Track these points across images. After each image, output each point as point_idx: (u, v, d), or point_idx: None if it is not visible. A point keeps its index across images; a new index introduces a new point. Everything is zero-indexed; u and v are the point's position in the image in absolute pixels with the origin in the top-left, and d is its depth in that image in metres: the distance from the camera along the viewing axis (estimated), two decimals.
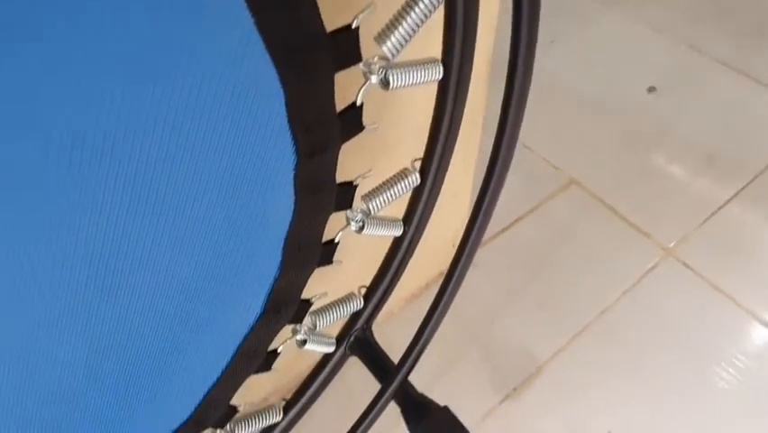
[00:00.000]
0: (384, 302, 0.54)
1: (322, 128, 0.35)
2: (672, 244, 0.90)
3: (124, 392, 0.43)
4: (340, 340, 0.55)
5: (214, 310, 0.43)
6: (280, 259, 0.43)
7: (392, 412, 0.58)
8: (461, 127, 0.43)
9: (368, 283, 0.54)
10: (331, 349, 0.54)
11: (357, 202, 0.44)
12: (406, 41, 0.33)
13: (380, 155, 0.53)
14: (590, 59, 1.21)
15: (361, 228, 0.45)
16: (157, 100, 0.28)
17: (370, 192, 0.44)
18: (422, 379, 0.58)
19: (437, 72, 0.37)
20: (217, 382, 0.47)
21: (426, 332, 0.53)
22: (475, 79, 0.40)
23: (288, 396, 0.57)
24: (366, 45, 0.33)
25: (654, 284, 0.85)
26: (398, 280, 0.53)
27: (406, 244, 0.51)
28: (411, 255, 0.52)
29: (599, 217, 0.94)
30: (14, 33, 0.23)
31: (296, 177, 0.37)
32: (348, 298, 0.52)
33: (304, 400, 0.56)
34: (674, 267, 0.87)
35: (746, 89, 1.12)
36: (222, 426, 0.53)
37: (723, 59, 1.17)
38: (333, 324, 0.51)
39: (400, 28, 0.33)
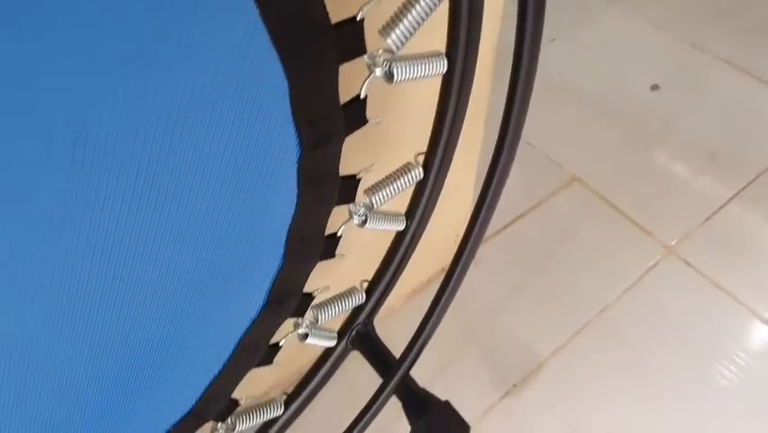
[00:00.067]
0: (386, 297, 0.54)
1: (326, 120, 0.34)
2: (673, 242, 0.90)
3: (126, 386, 0.43)
4: (341, 334, 0.55)
5: (217, 303, 0.43)
6: (283, 252, 0.43)
7: (393, 407, 0.58)
8: (465, 122, 0.43)
9: (370, 278, 0.55)
10: (332, 343, 0.54)
11: (360, 196, 0.44)
12: (411, 33, 0.33)
13: (384, 149, 0.53)
14: (593, 56, 1.21)
15: (364, 222, 0.45)
16: (161, 93, 0.28)
17: (372, 186, 0.44)
18: (423, 374, 0.58)
19: (441, 66, 0.37)
20: (219, 375, 0.47)
21: (428, 327, 0.53)
22: (479, 73, 0.40)
23: (290, 390, 0.58)
24: (370, 38, 0.33)
25: (656, 282, 0.85)
26: (400, 274, 0.53)
27: (408, 238, 0.51)
28: (413, 250, 0.52)
29: (601, 215, 0.94)
30: (15, 28, 0.23)
31: (299, 169, 0.37)
32: (350, 292, 0.53)
33: (305, 393, 0.56)
34: (676, 265, 0.87)
35: (749, 87, 1.12)
36: (223, 419, 0.53)
37: (726, 58, 1.17)
38: (334, 318, 0.51)
39: (405, 21, 0.32)
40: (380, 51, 0.34)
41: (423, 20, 0.33)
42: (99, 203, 0.31)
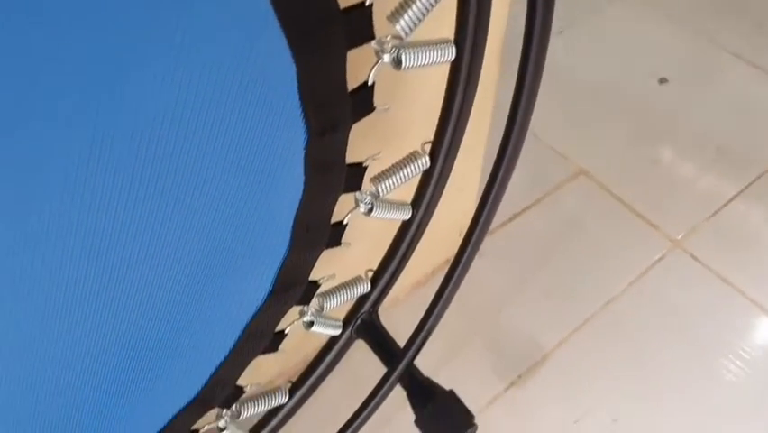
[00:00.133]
0: (391, 286, 0.54)
1: (333, 107, 0.34)
2: (679, 236, 0.89)
3: (132, 372, 0.43)
4: (346, 323, 0.55)
5: (223, 290, 0.43)
6: (289, 239, 0.43)
7: (397, 396, 0.58)
8: (471, 112, 0.43)
9: (375, 267, 0.55)
10: (337, 332, 0.54)
11: (366, 185, 0.44)
12: (420, 20, 0.33)
13: (390, 138, 0.53)
14: (601, 48, 1.20)
15: (370, 210, 0.45)
16: (169, 80, 0.28)
17: (379, 174, 0.44)
18: (427, 365, 0.58)
19: (450, 53, 0.37)
20: (224, 361, 0.47)
21: (432, 317, 0.53)
22: (487, 62, 0.40)
23: (295, 379, 0.58)
24: (379, 24, 0.32)
25: (661, 276, 0.85)
26: (406, 264, 0.53)
27: (414, 228, 0.51)
28: (419, 239, 0.52)
29: (607, 208, 0.94)
30: (14, 22, 0.23)
31: (306, 156, 0.37)
32: (355, 281, 0.53)
33: (310, 382, 0.56)
34: (682, 259, 0.87)
35: (759, 82, 1.11)
36: (228, 406, 0.53)
37: (736, 52, 1.16)
38: (339, 306, 0.52)
39: (413, 7, 0.32)
40: (389, 38, 0.34)
41: (431, 6, 0.32)
42: (109, 187, 0.31)
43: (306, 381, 0.56)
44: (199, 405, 0.49)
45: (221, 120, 0.32)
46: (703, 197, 0.95)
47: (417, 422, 0.51)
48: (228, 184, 0.36)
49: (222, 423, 0.53)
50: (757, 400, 0.74)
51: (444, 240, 0.80)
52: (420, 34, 0.34)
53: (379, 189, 0.44)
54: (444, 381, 0.56)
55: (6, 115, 0.25)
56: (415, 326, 0.57)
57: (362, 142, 0.41)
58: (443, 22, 0.36)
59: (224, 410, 0.53)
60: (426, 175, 0.47)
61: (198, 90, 0.30)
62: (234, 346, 0.47)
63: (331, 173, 0.40)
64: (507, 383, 0.75)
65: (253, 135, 0.34)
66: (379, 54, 0.34)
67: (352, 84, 0.35)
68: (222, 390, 0.50)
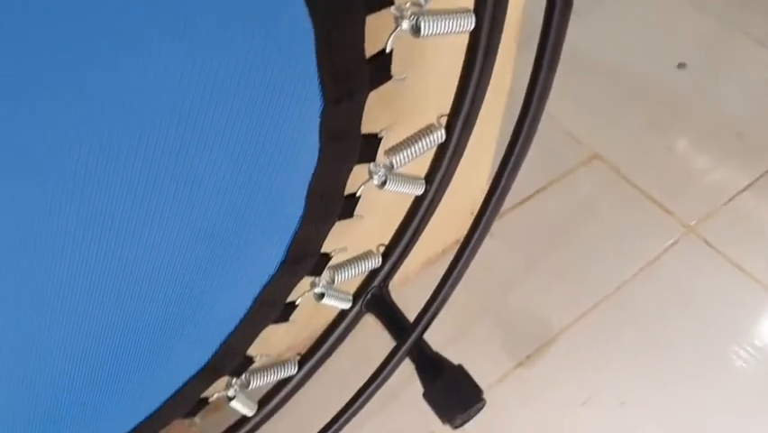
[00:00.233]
0: (402, 261, 0.54)
1: (350, 73, 0.34)
2: (693, 222, 0.89)
3: (144, 339, 0.44)
4: (356, 297, 0.55)
5: (236, 259, 0.43)
6: (303, 209, 0.43)
7: (405, 372, 0.58)
8: (488, 86, 0.43)
9: (386, 243, 0.54)
10: (347, 305, 0.54)
11: (380, 157, 0.44)
12: None
13: (406, 109, 0.52)
14: (619, 32, 1.18)
15: (384, 183, 0.45)
16: (185, 51, 0.28)
17: (393, 147, 0.44)
18: (435, 343, 0.58)
19: (469, 22, 0.36)
20: (235, 330, 0.47)
21: (443, 292, 0.53)
22: (505, 35, 0.40)
23: (304, 352, 0.58)
24: None
25: (674, 261, 0.85)
26: (417, 239, 0.53)
27: (427, 203, 0.50)
28: (431, 215, 0.52)
29: (621, 193, 0.93)
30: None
31: (321, 124, 0.36)
32: (366, 255, 0.53)
33: (319, 354, 0.57)
34: (695, 244, 0.86)
35: None
36: (237, 375, 0.53)
37: (757, 38, 1.14)
38: (350, 280, 0.52)
39: None
40: (408, 4, 0.33)
41: None
42: (122, 159, 0.31)
43: (315, 353, 0.57)
44: (209, 373, 0.50)
45: (236, 86, 0.32)
46: (718, 183, 0.94)
47: (426, 396, 0.52)
48: (243, 152, 0.36)
49: (231, 392, 0.54)
50: None
51: (456, 219, 0.80)
52: (440, 3, 0.34)
53: (394, 162, 0.43)
54: (453, 358, 0.56)
55: (8, 91, 0.25)
56: (424, 303, 0.57)
57: (378, 114, 0.41)
58: None
59: (234, 379, 0.53)
60: (441, 149, 0.46)
61: (215, 56, 0.30)
62: (245, 316, 0.47)
63: (346, 142, 0.40)
64: (516, 363, 0.75)
65: (269, 102, 0.34)
66: (398, 20, 0.33)
67: (369, 51, 0.35)
68: (232, 359, 0.50)
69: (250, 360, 0.53)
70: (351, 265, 0.51)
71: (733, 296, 0.81)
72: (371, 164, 0.43)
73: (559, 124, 1.02)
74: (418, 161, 0.46)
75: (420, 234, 0.53)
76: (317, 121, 0.36)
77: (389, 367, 0.54)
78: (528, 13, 0.57)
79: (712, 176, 0.95)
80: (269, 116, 0.35)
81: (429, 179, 0.49)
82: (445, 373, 0.51)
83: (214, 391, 0.54)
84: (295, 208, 0.43)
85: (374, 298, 0.55)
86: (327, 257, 0.49)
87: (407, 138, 0.44)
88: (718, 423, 0.71)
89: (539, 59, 0.42)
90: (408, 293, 0.59)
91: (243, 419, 0.59)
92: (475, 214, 0.54)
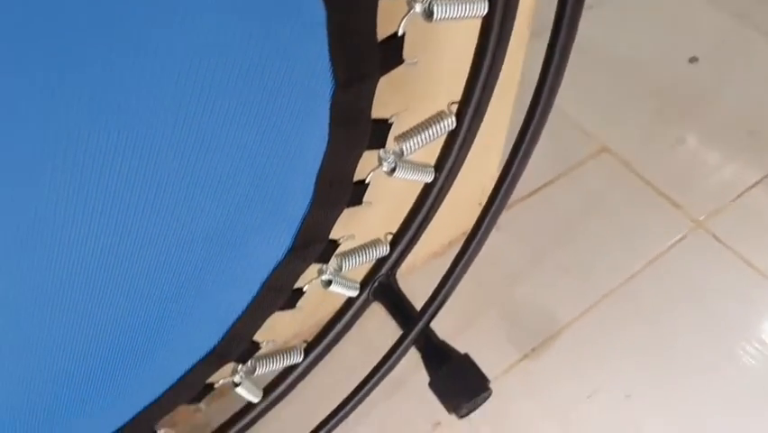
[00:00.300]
0: (410, 250, 0.54)
1: (362, 56, 0.34)
2: (702, 217, 0.88)
3: (152, 321, 0.44)
4: (364, 285, 0.55)
5: (244, 243, 0.43)
6: (312, 194, 0.42)
7: (411, 361, 0.58)
8: (500, 73, 0.42)
9: (394, 232, 0.54)
10: (355, 293, 0.54)
11: (390, 144, 0.44)
12: None
13: (417, 96, 0.52)
14: (631, 25, 1.17)
15: (393, 170, 0.44)
16: (194, 33, 0.28)
17: (403, 133, 0.43)
18: (441, 334, 0.58)
19: (482, 7, 0.36)
20: (242, 315, 0.47)
21: (450, 281, 0.53)
22: (518, 22, 0.39)
23: (310, 339, 0.58)
24: None
25: (682, 255, 0.84)
26: (426, 227, 0.53)
27: (436, 191, 0.50)
28: (440, 204, 0.52)
29: (629, 186, 0.93)
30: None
31: (332, 107, 0.36)
32: (374, 243, 0.52)
33: (325, 342, 0.57)
34: (704, 239, 0.86)
35: None
36: (244, 361, 0.53)
37: None
38: (358, 267, 0.52)
39: None
40: None
41: None
42: (131, 143, 0.31)
43: (321, 341, 0.57)
44: (216, 358, 0.50)
45: (246, 69, 0.32)
46: (728, 178, 0.93)
47: (432, 384, 0.51)
48: (252, 136, 0.36)
49: (237, 378, 0.54)
50: None
51: (464, 211, 0.79)
52: None
53: (404, 148, 0.43)
54: (459, 349, 0.56)
55: (27, 87, 0.25)
56: (430, 294, 0.56)
57: (388, 99, 0.40)
58: None
59: (240, 366, 0.53)
60: (451, 136, 0.46)
61: (225, 38, 0.29)
62: (253, 301, 0.47)
63: (356, 128, 0.39)
64: (521, 355, 0.75)
65: (279, 84, 0.34)
66: (410, 3, 0.33)
67: (381, 35, 0.34)
68: (238, 344, 0.50)
69: (256, 346, 0.53)
70: (358, 253, 0.51)
71: (741, 292, 0.81)
72: (381, 150, 0.43)
73: (568, 117, 1.01)
74: (428, 149, 0.46)
75: (429, 223, 0.53)
76: (327, 105, 0.36)
77: (396, 355, 0.54)
78: (541, 2, 0.56)
79: (722, 171, 0.94)
80: (280, 100, 0.35)
81: (439, 166, 0.48)
82: (452, 362, 0.51)
83: (220, 378, 0.54)
84: (304, 194, 0.43)
85: (381, 286, 0.55)
86: (335, 244, 0.49)
87: (418, 125, 0.43)
88: (723, 418, 0.71)
89: (551, 48, 0.42)
90: (415, 283, 0.59)
91: (249, 406, 0.59)
92: (483, 204, 0.53)
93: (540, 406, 0.71)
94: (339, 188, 0.43)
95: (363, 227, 0.53)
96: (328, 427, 0.59)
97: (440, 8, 0.34)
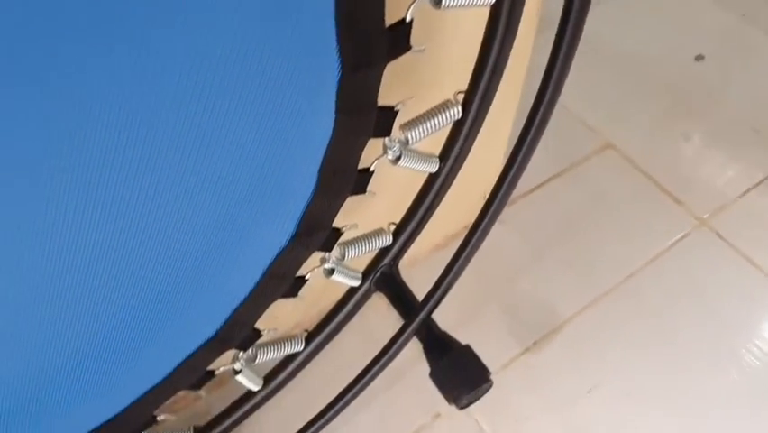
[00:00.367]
0: (413, 240, 0.54)
1: (369, 41, 0.34)
2: (706, 215, 0.88)
3: (154, 306, 0.44)
4: (366, 275, 0.55)
5: (248, 230, 0.43)
6: (316, 182, 0.42)
7: (411, 353, 0.58)
8: (507, 64, 0.42)
9: (398, 222, 0.54)
10: (357, 283, 0.54)
11: (395, 133, 0.43)
12: None
13: (423, 85, 0.52)
14: (637, 22, 1.17)
15: (398, 159, 0.44)
16: (201, 17, 0.28)
17: (409, 122, 0.43)
18: (443, 326, 0.58)
19: None
20: (245, 301, 0.47)
21: (452, 272, 0.53)
22: (525, 13, 0.39)
23: (311, 329, 0.58)
24: None
25: (685, 253, 0.84)
26: (429, 218, 0.53)
27: (440, 181, 0.50)
28: (444, 194, 0.52)
29: (633, 183, 0.93)
30: None
31: (338, 93, 0.36)
32: (377, 232, 0.52)
33: (326, 331, 0.57)
34: (707, 237, 0.85)
35: None
36: (245, 349, 0.54)
37: None
38: (361, 256, 0.52)
39: None
40: None
41: None
42: (137, 129, 0.31)
43: (322, 330, 0.57)
44: (217, 344, 0.50)
45: (252, 52, 0.32)
46: (732, 177, 0.93)
47: (432, 375, 0.51)
48: (257, 123, 0.36)
49: (238, 365, 0.54)
50: None
51: (467, 204, 0.79)
52: None
53: (409, 137, 0.43)
54: (460, 341, 0.56)
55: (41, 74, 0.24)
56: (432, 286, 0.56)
57: (395, 87, 0.40)
58: None
59: (241, 353, 0.54)
60: (457, 126, 0.46)
61: (231, 22, 0.29)
62: (255, 287, 0.47)
63: (361, 115, 0.39)
64: (523, 349, 0.75)
65: (285, 69, 0.34)
66: None
67: (389, 21, 0.34)
68: (240, 330, 0.50)
69: (258, 333, 0.53)
70: (361, 242, 0.51)
71: (743, 290, 0.80)
72: (386, 139, 0.43)
73: (573, 113, 1.01)
74: (433, 140, 0.46)
75: (432, 214, 0.53)
76: (334, 90, 0.36)
77: (397, 345, 0.54)
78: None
79: (726, 169, 0.94)
80: (286, 85, 0.35)
81: (443, 156, 0.48)
82: (453, 353, 0.51)
83: (221, 365, 0.54)
84: (308, 181, 0.43)
85: (384, 276, 0.55)
86: (338, 232, 0.49)
87: (423, 113, 0.43)
88: (723, 416, 0.71)
89: (559, 41, 0.42)
90: (417, 277, 0.59)
91: (249, 394, 0.59)
92: (487, 197, 0.53)
93: (540, 400, 0.71)
94: (343, 176, 0.43)
95: (367, 217, 0.53)
96: (328, 416, 0.59)
97: None
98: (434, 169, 0.48)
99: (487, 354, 0.54)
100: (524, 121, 0.47)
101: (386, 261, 0.54)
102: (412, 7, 0.34)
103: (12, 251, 0.32)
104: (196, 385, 0.55)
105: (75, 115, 0.28)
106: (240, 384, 0.56)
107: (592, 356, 0.75)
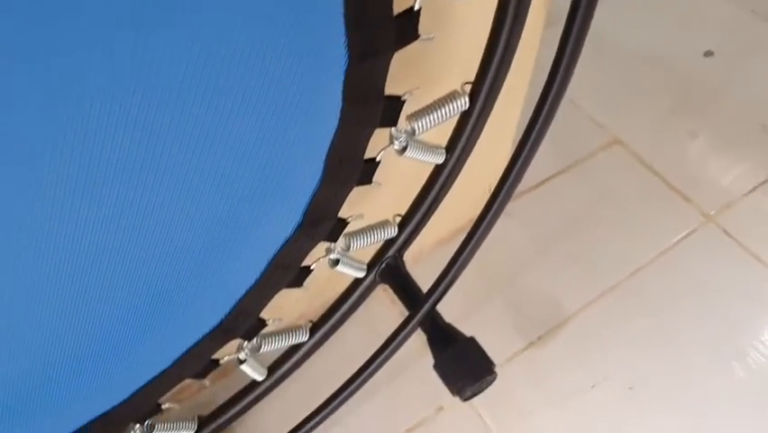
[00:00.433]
0: (418, 232, 0.54)
1: (377, 29, 0.34)
2: (713, 212, 0.87)
3: (159, 296, 0.44)
4: (371, 267, 0.55)
5: (253, 219, 0.43)
6: (322, 171, 0.42)
7: (414, 346, 0.58)
8: (515, 56, 0.42)
9: (403, 213, 0.54)
10: (361, 274, 0.54)
11: (402, 123, 0.43)
12: None
13: (431, 75, 0.52)
14: (646, 18, 1.16)
15: (404, 149, 0.44)
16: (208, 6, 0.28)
17: (416, 112, 0.43)
18: (447, 319, 0.58)
19: None
20: (250, 290, 0.48)
21: (457, 264, 0.53)
22: (533, 6, 0.39)
23: (316, 319, 0.58)
24: None
25: (691, 250, 0.84)
26: (435, 210, 0.53)
27: (446, 172, 0.50)
28: (450, 186, 0.52)
29: (640, 179, 0.92)
30: None
31: (345, 82, 0.36)
32: (383, 224, 0.52)
33: (331, 322, 0.57)
34: (714, 234, 0.85)
35: None
36: (249, 338, 0.54)
37: None
38: (366, 248, 0.51)
39: None
40: None
41: None
42: (144, 116, 0.31)
43: (327, 321, 0.57)
44: (222, 333, 0.50)
45: (259, 40, 0.31)
46: (740, 173, 0.92)
47: (436, 367, 0.51)
48: (264, 112, 0.36)
49: (242, 355, 0.54)
50: None
51: (472, 199, 0.79)
52: None
53: (416, 127, 0.43)
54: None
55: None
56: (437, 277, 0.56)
57: (403, 77, 0.40)
58: None
59: (245, 343, 0.54)
60: (464, 117, 0.46)
61: (239, 10, 0.29)
62: (260, 277, 0.47)
63: (368, 104, 0.39)
64: (527, 343, 0.75)
65: (292, 57, 0.34)
66: None
67: (397, 9, 0.34)
68: (245, 320, 0.50)
69: (262, 323, 0.53)
70: (367, 233, 0.51)
71: (750, 288, 0.80)
72: (393, 129, 0.43)
73: (581, 109, 1.01)
74: (440, 132, 0.46)
75: (438, 205, 0.53)
76: (341, 79, 0.36)
77: (401, 336, 0.54)
78: None
79: (734, 166, 0.93)
80: (293, 73, 0.35)
81: (450, 148, 0.48)
82: (457, 345, 0.51)
83: (226, 354, 0.54)
84: (314, 171, 0.43)
85: (389, 267, 0.54)
86: (344, 223, 0.49)
87: (430, 104, 0.43)
88: (727, 413, 0.70)
89: (566, 34, 0.41)
90: (421, 270, 0.59)
91: (253, 384, 0.59)
92: (492, 189, 0.53)
93: (544, 394, 0.71)
94: (349, 165, 0.43)
95: (372, 208, 0.53)
96: (331, 406, 0.59)
97: None
98: (440, 160, 0.48)
99: (491, 348, 0.54)
100: (531, 115, 0.47)
101: (391, 252, 0.54)
102: None
103: (12, 251, 0.32)
104: (201, 374, 0.55)
105: (76, 112, 0.28)
106: (244, 374, 0.56)
107: (597, 352, 0.74)
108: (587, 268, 0.82)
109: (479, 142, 0.49)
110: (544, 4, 0.58)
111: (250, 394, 0.59)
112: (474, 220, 0.54)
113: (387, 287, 0.57)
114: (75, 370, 0.44)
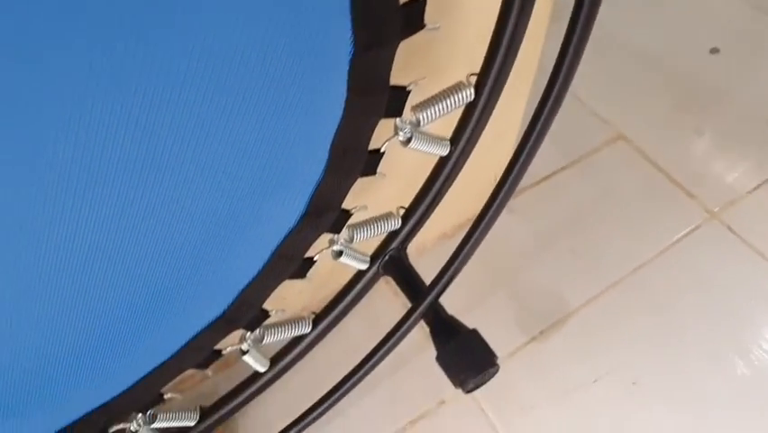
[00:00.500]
0: (422, 224, 0.54)
1: (383, 18, 0.33)
2: (717, 208, 0.87)
3: (162, 284, 0.44)
4: (374, 259, 0.55)
5: (257, 209, 0.43)
6: (326, 161, 0.42)
7: (416, 339, 0.58)
8: (520, 48, 0.42)
9: (407, 206, 0.54)
10: (365, 266, 0.54)
11: (407, 114, 0.43)
12: None
13: (436, 66, 0.52)
14: (652, 14, 1.16)
15: (409, 140, 0.44)
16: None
17: (421, 103, 0.43)
18: (449, 311, 0.58)
19: None
20: (253, 281, 0.48)
21: (461, 256, 0.53)
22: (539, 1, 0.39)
23: (318, 311, 0.58)
24: None
25: (695, 246, 0.83)
26: (439, 202, 0.53)
27: (450, 164, 0.50)
28: (454, 178, 0.52)
29: (644, 175, 0.92)
30: None
31: (350, 71, 0.36)
32: (386, 216, 0.52)
33: (333, 314, 0.57)
34: (718, 231, 0.85)
35: None
36: (252, 329, 0.54)
37: None
38: (369, 239, 0.51)
39: None
40: None
41: None
42: (149, 107, 0.31)
43: (329, 313, 0.57)
44: (225, 323, 0.50)
45: (260, 40, 0.31)
46: (745, 170, 0.92)
47: (439, 359, 0.51)
48: (268, 102, 0.36)
49: (245, 346, 0.54)
50: None
51: (475, 193, 0.79)
52: None
53: (420, 118, 0.43)
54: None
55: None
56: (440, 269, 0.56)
57: (408, 67, 0.40)
58: None
59: (248, 333, 0.54)
60: (469, 109, 0.46)
61: (236, 9, 0.29)
62: (264, 267, 0.47)
63: (373, 94, 0.39)
64: (529, 338, 0.75)
65: (297, 47, 0.34)
66: None
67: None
68: (248, 310, 0.51)
69: (265, 314, 0.53)
70: (370, 225, 0.51)
71: (754, 285, 0.80)
72: (398, 119, 0.43)
73: (586, 104, 1.00)
74: (445, 124, 0.46)
75: (441, 198, 0.53)
76: (346, 68, 0.36)
77: (404, 328, 0.54)
78: None
79: (739, 163, 0.93)
80: (298, 63, 0.35)
81: (454, 140, 0.48)
82: (460, 337, 0.51)
83: (228, 345, 0.54)
84: (318, 161, 0.43)
85: (392, 260, 0.54)
86: (347, 214, 0.49)
87: (435, 95, 0.43)
88: (728, 410, 0.70)
89: (571, 27, 0.41)
90: (425, 264, 0.59)
91: (255, 375, 0.59)
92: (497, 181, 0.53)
93: (546, 389, 0.71)
94: (354, 155, 0.43)
95: (376, 200, 0.53)
96: (333, 398, 0.60)
97: None
98: (444, 152, 0.48)
99: (493, 342, 0.54)
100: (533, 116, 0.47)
101: (394, 244, 0.54)
102: None
103: (12, 250, 0.32)
104: (204, 364, 0.55)
105: (77, 112, 0.28)
106: (247, 365, 0.56)
107: (599, 347, 0.74)
108: (590, 263, 0.82)
109: (483, 134, 0.48)
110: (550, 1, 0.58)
111: (252, 385, 0.59)
112: (477, 215, 0.54)
113: (390, 279, 0.57)
114: (73, 366, 0.44)
